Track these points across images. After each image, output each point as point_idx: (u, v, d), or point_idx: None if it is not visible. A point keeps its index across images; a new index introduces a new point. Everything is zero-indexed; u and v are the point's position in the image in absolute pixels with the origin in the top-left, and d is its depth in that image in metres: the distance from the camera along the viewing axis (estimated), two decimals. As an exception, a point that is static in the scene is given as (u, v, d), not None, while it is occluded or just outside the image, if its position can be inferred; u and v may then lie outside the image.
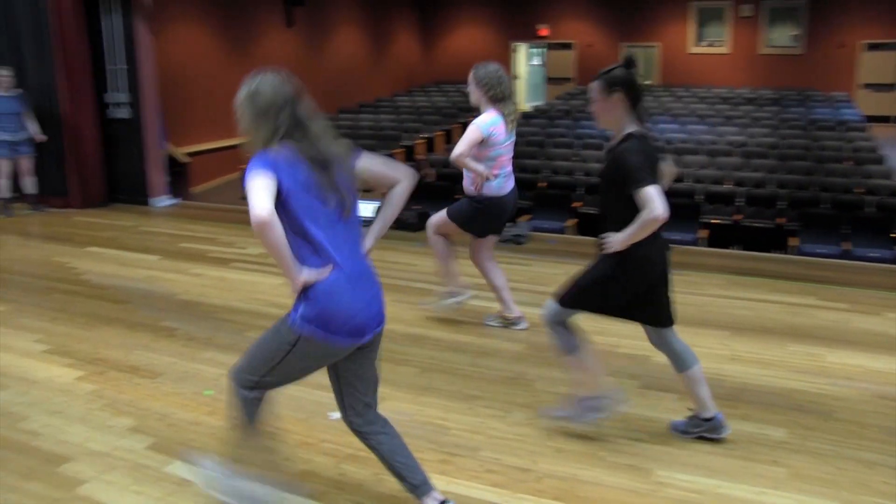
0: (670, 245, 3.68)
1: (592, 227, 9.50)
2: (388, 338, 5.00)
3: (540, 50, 23.59)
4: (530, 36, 22.46)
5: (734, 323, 5.62)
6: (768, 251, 8.37)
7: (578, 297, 3.68)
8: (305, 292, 2.71)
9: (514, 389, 4.41)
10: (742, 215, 9.47)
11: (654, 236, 3.41)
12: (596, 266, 3.63)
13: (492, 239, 5.30)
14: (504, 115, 4.89)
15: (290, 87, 2.78)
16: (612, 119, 3.50)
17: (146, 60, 9.75)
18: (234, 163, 14.03)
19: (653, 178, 3.29)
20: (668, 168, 3.66)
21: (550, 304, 3.75)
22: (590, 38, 21.68)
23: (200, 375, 4.58)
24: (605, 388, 3.82)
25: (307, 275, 2.68)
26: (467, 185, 5.10)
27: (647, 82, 21.37)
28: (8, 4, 9.64)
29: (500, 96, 4.87)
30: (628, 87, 3.43)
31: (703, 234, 8.90)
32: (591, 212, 9.98)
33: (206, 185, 12.94)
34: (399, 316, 5.55)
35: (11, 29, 9.69)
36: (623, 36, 21.23)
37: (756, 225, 9.23)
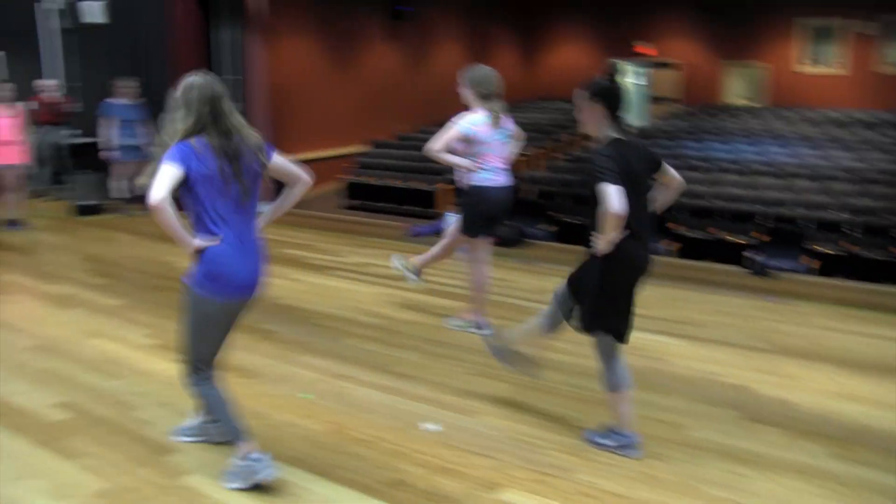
0: (650, 256, 3.78)
1: (692, 249, 9.35)
2: (484, 353, 5.05)
3: (643, 69, 23.28)
4: (633, 54, 22.17)
5: (847, 358, 5.33)
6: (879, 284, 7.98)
7: (595, 315, 3.79)
8: (198, 258, 3.23)
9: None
10: (852, 244, 9.09)
11: (635, 238, 3.58)
12: (587, 278, 3.76)
13: (486, 242, 5.50)
14: (490, 113, 5.06)
15: (214, 88, 3.19)
16: (593, 125, 3.70)
17: (257, 71, 10.09)
18: (335, 172, 14.33)
19: (611, 177, 3.43)
20: (669, 177, 3.82)
21: (594, 342, 3.85)
22: (693, 58, 21.25)
23: (297, 378, 4.69)
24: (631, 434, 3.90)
25: (197, 242, 3.22)
26: (458, 179, 5.38)
27: (750, 102, 20.79)
28: (136, 21, 10.15)
29: (487, 94, 5.08)
30: (608, 97, 3.66)
31: (814, 263, 8.53)
32: (693, 235, 9.79)
33: (307, 194, 13.23)
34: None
35: (138, 43, 10.21)
36: (727, 55, 20.71)
37: (870, 256, 8.84)
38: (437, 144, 5.08)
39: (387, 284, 6.76)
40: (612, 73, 3.84)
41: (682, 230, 9.87)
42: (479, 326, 5.58)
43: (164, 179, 3.07)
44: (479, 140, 5.10)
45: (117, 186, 9.73)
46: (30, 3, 12.35)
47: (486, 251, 5.54)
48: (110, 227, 9.36)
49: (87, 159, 10.95)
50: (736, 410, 4.42)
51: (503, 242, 8.10)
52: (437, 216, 12.31)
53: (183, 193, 3.19)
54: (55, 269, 7.31)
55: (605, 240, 3.52)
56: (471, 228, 5.37)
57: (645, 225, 3.70)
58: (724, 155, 14.02)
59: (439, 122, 18.17)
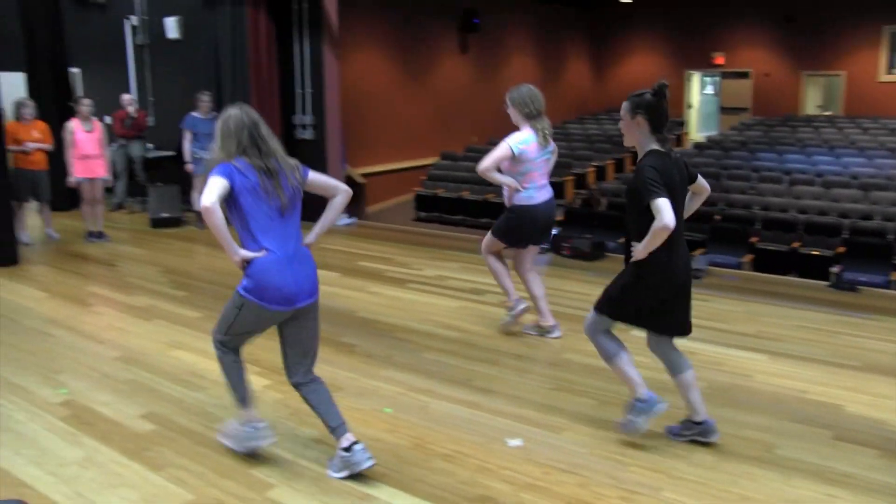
0: (689, 257, 3.98)
1: (771, 263, 9.12)
2: (566, 368, 4.99)
3: (713, 78, 22.91)
4: (705, 64, 21.82)
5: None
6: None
7: (610, 305, 4.00)
8: (246, 270, 3.51)
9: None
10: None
11: (674, 247, 3.72)
12: (622, 275, 3.98)
13: (532, 249, 5.62)
14: (536, 131, 5.21)
15: (250, 117, 3.54)
16: (635, 138, 3.83)
17: (331, 85, 10.20)
18: (407, 184, 14.41)
19: (663, 192, 3.55)
20: (701, 187, 3.99)
21: (589, 315, 4.08)
22: (768, 67, 20.79)
23: (379, 392, 4.68)
24: (647, 394, 3.99)
25: (243, 253, 3.51)
26: (504, 197, 5.49)
27: (828, 112, 20.27)
28: (213, 35, 10.37)
29: (533, 113, 5.23)
30: (652, 112, 3.73)
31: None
32: (770, 248, 9.56)
33: (379, 206, 13.34)
34: (574, 346, 5.48)
35: (214, 58, 10.42)
36: (804, 64, 20.24)
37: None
38: (489, 164, 5.16)
39: (465, 298, 6.74)
40: (658, 90, 3.93)
41: (760, 243, 9.65)
42: (549, 331, 5.72)
43: (212, 187, 3.37)
44: (526, 159, 5.21)
45: (196, 199, 9.93)
46: (108, 20, 12.73)
47: (531, 258, 5.67)
48: (187, 239, 9.55)
49: (162, 172, 11.23)
50: (827, 430, 4.25)
51: (582, 255, 8.02)
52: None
53: (230, 208, 3.49)
54: (135, 281, 7.47)
55: (646, 250, 3.65)
56: (516, 242, 5.55)
57: (681, 236, 3.83)
58: (801, 166, 13.70)
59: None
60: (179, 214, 10.32)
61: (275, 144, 3.57)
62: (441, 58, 16.86)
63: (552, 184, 5.65)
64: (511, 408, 4.46)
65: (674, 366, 4.05)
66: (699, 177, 3.98)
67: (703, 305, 6.53)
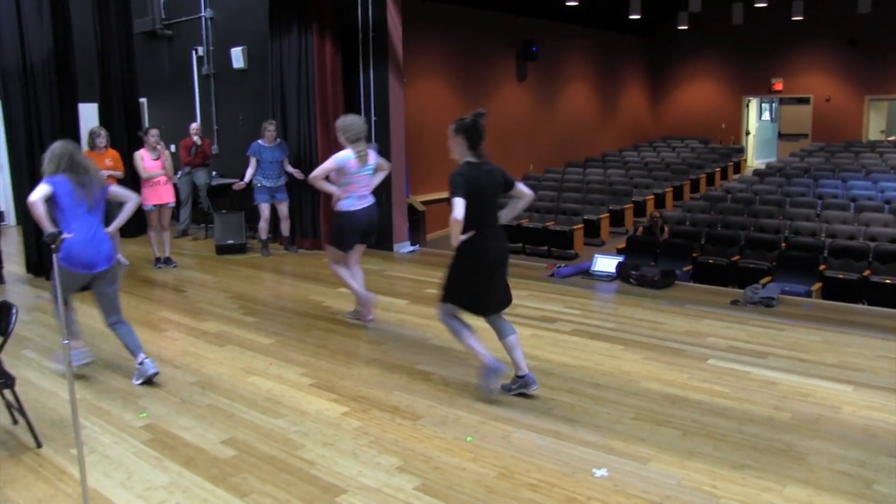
0: (505, 248, 4.99)
1: (840, 291, 8.89)
2: (645, 396, 4.91)
3: (772, 104, 22.59)
4: (763, 90, 21.49)
5: None
6: None
7: (445, 292, 4.94)
8: (60, 246, 3.98)
9: (786, 461, 4.08)
10: None
11: (486, 234, 4.73)
12: (449, 267, 4.92)
13: (359, 249, 6.80)
14: (356, 152, 6.40)
15: (68, 148, 5.19)
16: (458, 152, 4.79)
17: (396, 113, 10.27)
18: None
19: (461, 193, 4.53)
20: (520, 192, 4.94)
21: (439, 307, 5.01)
22: (829, 92, 20.37)
23: (460, 421, 4.64)
24: (494, 364, 4.86)
25: (53, 230, 4.49)
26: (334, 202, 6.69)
27: (892, 137, 19.81)
28: (278, 65, 10.54)
29: (352, 138, 6.43)
30: (468, 133, 4.72)
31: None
32: (839, 276, 9.33)
33: (438, 233, 13.35)
34: (652, 375, 5.39)
35: (280, 87, 10.58)
36: (867, 88, 19.78)
37: None
38: (318, 174, 6.47)
39: (536, 326, 6.68)
40: (476, 115, 4.59)
41: (829, 271, 9.43)
42: (362, 318, 6.86)
43: (39, 191, 5.03)
44: (347, 172, 6.42)
45: (262, 226, 10.05)
46: (175, 52, 13.04)
47: (356, 257, 6.83)
48: (252, 265, 9.65)
49: (227, 199, 11.40)
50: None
51: (651, 284, 7.91)
52: (576, 256, 12.21)
53: (53, 204, 5.06)
54: (205, 307, 7.55)
55: (453, 238, 4.61)
56: (343, 244, 6.62)
57: (493, 228, 4.80)
58: (868, 192, 13.41)
59: (568, 164, 18.13)
60: (244, 241, 10.45)
61: (87, 164, 5.25)
62: (499, 86, 16.91)
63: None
64: (594, 437, 4.37)
65: (501, 332, 4.99)
66: (517, 184, 4.93)
67: (779, 334, 6.40)
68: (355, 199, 6.54)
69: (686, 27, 20.05)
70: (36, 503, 3.74)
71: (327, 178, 6.53)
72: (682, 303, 7.41)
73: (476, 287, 4.81)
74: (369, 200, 6.67)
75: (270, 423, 4.65)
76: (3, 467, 4.13)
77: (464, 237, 4.63)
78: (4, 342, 4.41)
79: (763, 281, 8.68)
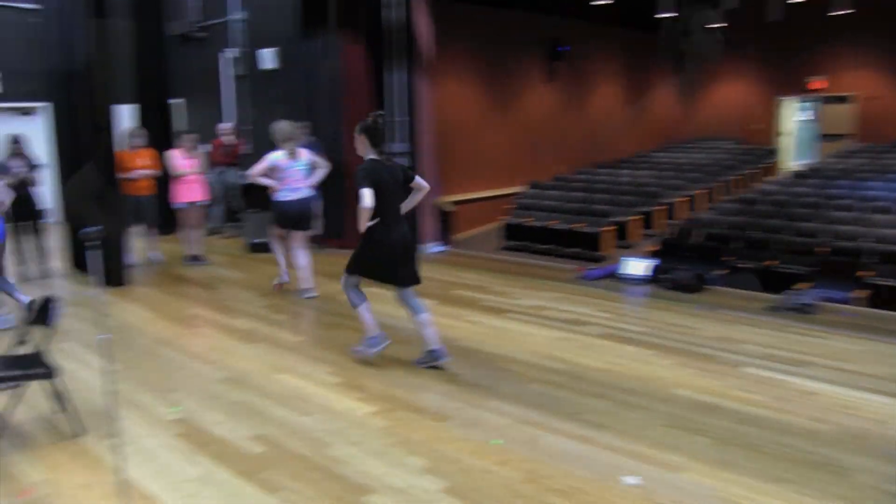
0: (405, 233, 5.48)
1: (888, 298, 8.64)
2: (678, 403, 4.82)
3: (811, 104, 22.17)
4: (798, 90, 21.05)
5: None
6: None
7: (352, 264, 5.53)
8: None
9: (828, 477, 3.94)
10: None
11: (387, 221, 5.33)
12: (358, 246, 5.49)
13: (297, 234, 7.77)
14: (286, 151, 7.51)
15: None
16: (362, 150, 5.39)
17: (424, 113, 10.24)
18: (491, 213, 14.37)
19: (367, 184, 5.12)
20: (417, 184, 5.50)
21: (343, 275, 5.57)
22: (874, 90, 19.74)
23: (488, 423, 4.59)
24: (377, 333, 5.57)
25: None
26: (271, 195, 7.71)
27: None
28: (309, 65, 10.59)
29: (279, 139, 7.54)
30: (370, 132, 5.36)
31: None
32: (882, 283, 9.11)
33: (466, 234, 13.33)
34: (685, 381, 5.30)
35: (310, 87, 10.62)
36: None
37: None
38: (255, 171, 7.50)
39: (566, 329, 6.61)
40: (376, 118, 4.85)
41: (875, 278, 9.20)
42: (302, 295, 7.76)
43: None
44: (280, 168, 7.51)
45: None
46: (207, 53, 13.13)
47: (299, 240, 7.78)
48: (283, 264, 9.65)
49: (258, 199, 11.43)
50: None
51: (683, 288, 7.80)
52: (604, 258, 12.09)
53: None
54: (235, 304, 7.58)
55: (361, 223, 5.18)
56: (283, 227, 7.76)
57: (395, 217, 5.38)
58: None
59: (598, 165, 18.00)
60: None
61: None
62: (528, 86, 16.83)
63: None
64: (624, 444, 4.30)
65: (412, 310, 5.52)
66: (416, 178, 5.52)
67: (821, 343, 6.23)
68: (288, 191, 7.59)
69: (716, 26, 19.63)
70: (77, 489, 3.84)
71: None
72: (714, 307, 7.29)
73: (379, 262, 5.40)
74: (303, 193, 7.69)
75: (299, 421, 4.64)
76: (48, 454, 4.26)
77: (371, 224, 5.27)
78: (49, 335, 4.47)
79: (802, 286, 8.51)
